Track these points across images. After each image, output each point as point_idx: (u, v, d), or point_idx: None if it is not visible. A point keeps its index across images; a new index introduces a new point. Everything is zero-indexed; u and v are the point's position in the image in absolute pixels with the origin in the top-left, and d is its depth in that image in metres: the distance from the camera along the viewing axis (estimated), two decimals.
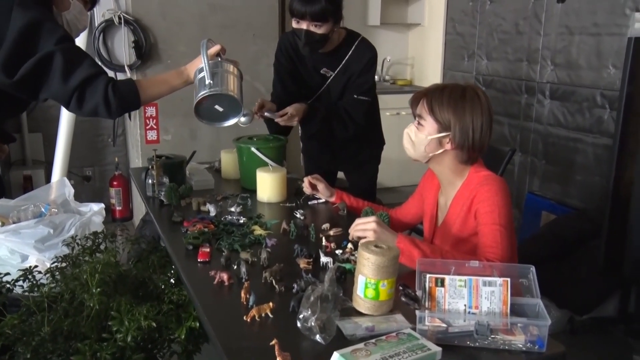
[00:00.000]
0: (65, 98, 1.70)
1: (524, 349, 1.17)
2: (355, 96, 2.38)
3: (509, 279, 1.22)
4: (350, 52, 2.39)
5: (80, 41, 3.48)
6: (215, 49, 1.91)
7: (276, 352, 1.09)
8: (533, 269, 1.29)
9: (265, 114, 2.27)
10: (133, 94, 1.77)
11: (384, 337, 1.17)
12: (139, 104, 1.82)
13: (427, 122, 1.63)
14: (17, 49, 1.62)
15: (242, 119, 2.07)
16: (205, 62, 1.81)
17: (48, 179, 3.87)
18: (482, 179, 1.63)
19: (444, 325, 1.19)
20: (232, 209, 1.97)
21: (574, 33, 3.26)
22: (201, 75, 1.84)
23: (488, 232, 1.56)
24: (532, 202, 3.46)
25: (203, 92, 1.81)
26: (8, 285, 1.86)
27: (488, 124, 1.61)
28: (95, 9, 3.38)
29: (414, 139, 1.68)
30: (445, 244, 1.71)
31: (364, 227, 1.53)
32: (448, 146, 1.63)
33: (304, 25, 2.20)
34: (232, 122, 1.93)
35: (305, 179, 2.10)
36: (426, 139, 1.64)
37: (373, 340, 1.15)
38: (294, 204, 2.09)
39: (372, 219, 1.53)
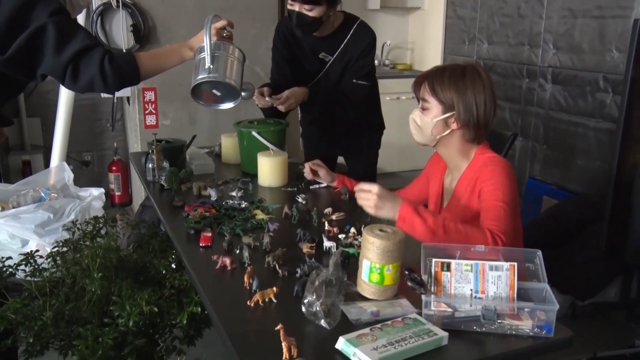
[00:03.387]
0: (59, 72, 1.62)
1: (531, 334, 1.16)
2: (354, 80, 2.36)
3: (515, 264, 1.21)
4: (349, 35, 2.36)
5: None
6: (221, 23, 1.83)
7: (281, 337, 1.08)
8: (539, 253, 1.28)
9: (266, 98, 2.25)
10: (131, 66, 1.70)
11: (389, 322, 1.16)
12: (139, 78, 1.74)
13: (431, 104, 1.63)
14: (9, 26, 1.56)
15: (243, 94, 1.99)
16: (207, 43, 1.74)
17: (47, 164, 3.85)
18: (486, 160, 1.63)
19: (450, 310, 1.18)
20: (233, 194, 1.95)
21: (577, 16, 3.22)
22: (201, 55, 1.77)
23: (491, 207, 1.55)
24: (533, 187, 3.44)
25: (201, 77, 1.75)
26: (10, 270, 1.85)
27: (491, 99, 1.60)
28: None
29: (420, 123, 1.67)
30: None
31: (366, 201, 1.48)
32: (454, 126, 1.62)
33: (296, 7, 2.18)
34: (229, 105, 1.88)
35: (306, 165, 2.09)
36: (432, 122, 1.63)
37: (379, 325, 1.14)
38: (295, 189, 2.08)
39: (375, 189, 1.47)
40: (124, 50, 3.37)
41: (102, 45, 1.69)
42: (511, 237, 1.50)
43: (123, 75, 1.69)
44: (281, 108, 2.24)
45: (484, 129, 1.64)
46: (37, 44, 1.58)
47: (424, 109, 1.65)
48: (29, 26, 1.57)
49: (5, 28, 1.56)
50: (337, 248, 1.51)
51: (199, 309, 1.74)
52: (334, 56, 2.39)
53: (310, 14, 2.18)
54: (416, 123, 1.68)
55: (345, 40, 2.36)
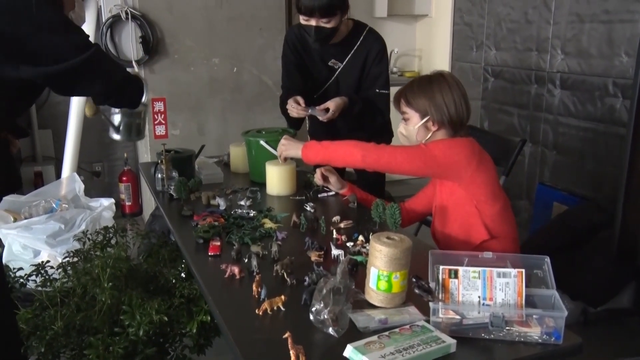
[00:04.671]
0: (108, 92, 1.71)
1: (539, 340, 1.15)
2: (378, 90, 2.41)
3: (523, 270, 1.21)
4: (358, 42, 2.38)
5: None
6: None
7: (289, 345, 1.08)
8: (548, 259, 1.27)
9: (309, 111, 2.27)
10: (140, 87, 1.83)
11: (397, 330, 1.16)
12: None
13: (410, 114, 1.81)
14: (54, 40, 1.57)
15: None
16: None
17: (58, 175, 3.88)
18: None
19: (458, 317, 1.18)
20: (242, 203, 1.96)
21: (585, 21, 3.21)
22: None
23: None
24: (543, 193, 3.43)
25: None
26: (22, 280, 1.87)
27: (460, 97, 1.76)
28: (102, 4, 3.40)
29: (405, 133, 1.85)
30: (437, 215, 1.85)
31: (281, 146, 1.96)
32: (433, 128, 1.78)
33: (312, 22, 2.20)
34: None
35: (318, 171, 2.10)
36: (415, 129, 1.80)
37: (386, 333, 1.14)
38: (303, 197, 2.09)
39: (282, 140, 1.97)
40: (134, 62, 3.42)
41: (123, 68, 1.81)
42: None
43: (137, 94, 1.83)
44: (324, 119, 2.27)
45: (460, 125, 1.78)
46: (89, 68, 1.63)
47: (405, 120, 1.83)
48: (74, 43, 1.60)
49: (49, 44, 1.57)
50: (345, 256, 1.51)
51: (209, 318, 1.75)
52: (344, 63, 2.41)
53: (328, 25, 2.21)
54: (403, 134, 1.86)
55: (355, 47, 2.39)
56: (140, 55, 3.43)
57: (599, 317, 2.64)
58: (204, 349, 1.88)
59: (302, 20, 2.24)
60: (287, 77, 2.53)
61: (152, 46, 3.41)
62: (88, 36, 1.66)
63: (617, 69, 3.03)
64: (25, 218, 2.92)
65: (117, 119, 1.91)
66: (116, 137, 1.95)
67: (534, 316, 1.17)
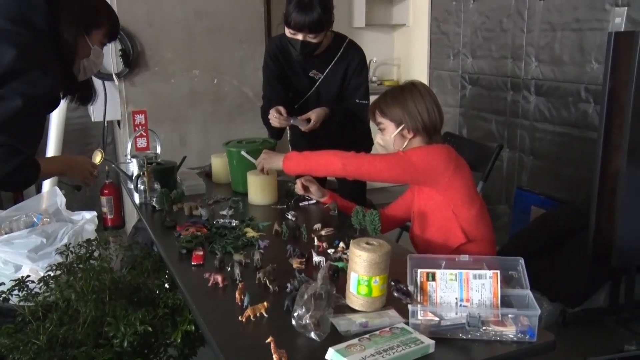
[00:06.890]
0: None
1: (515, 339, 1.19)
2: (358, 101, 2.45)
3: (498, 272, 1.25)
4: (339, 54, 2.42)
5: None
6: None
7: (272, 350, 1.10)
8: (522, 260, 1.32)
9: (291, 121, 2.31)
10: (32, 179, 1.72)
11: (377, 332, 1.19)
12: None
13: (385, 124, 1.86)
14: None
15: None
16: None
17: (39, 189, 3.85)
18: None
19: (436, 318, 1.21)
20: (224, 212, 1.98)
21: (557, 29, 3.30)
22: None
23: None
24: (521, 197, 3.49)
25: None
26: (3, 295, 1.86)
27: (432, 104, 1.82)
28: None
29: (383, 144, 1.90)
30: (416, 220, 1.89)
31: (262, 160, 2.00)
32: (409, 135, 1.83)
33: (299, 36, 2.24)
34: None
35: (298, 181, 2.12)
36: (391, 139, 1.85)
37: (367, 336, 1.17)
38: (285, 206, 2.11)
39: (262, 154, 2.02)
40: (114, 75, 3.42)
41: (33, 154, 1.69)
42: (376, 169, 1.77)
43: (21, 187, 1.75)
44: (305, 129, 2.30)
45: (434, 131, 1.84)
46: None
47: (382, 131, 1.88)
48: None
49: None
50: (326, 262, 1.54)
51: (193, 328, 1.76)
52: (324, 74, 2.45)
53: (315, 40, 2.26)
54: (380, 144, 1.91)
55: (335, 59, 2.43)
56: (120, 68, 3.44)
57: (577, 317, 2.70)
58: (189, 359, 1.89)
59: (289, 33, 2.27)
60: (268, 87, 2.56)
61: (132, 59, 3.42)
62: (41, 95, 1.58)
63: (588, 75, 3.12)
64: (6, 233, 2.90)
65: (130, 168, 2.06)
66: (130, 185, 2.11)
67: (509, 315, 1.21)
